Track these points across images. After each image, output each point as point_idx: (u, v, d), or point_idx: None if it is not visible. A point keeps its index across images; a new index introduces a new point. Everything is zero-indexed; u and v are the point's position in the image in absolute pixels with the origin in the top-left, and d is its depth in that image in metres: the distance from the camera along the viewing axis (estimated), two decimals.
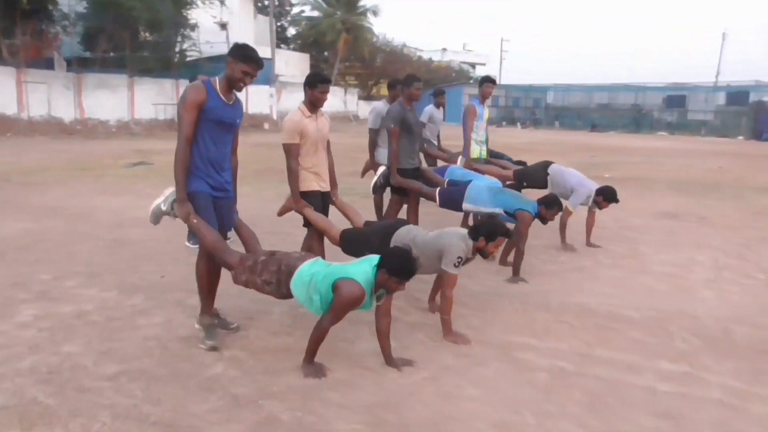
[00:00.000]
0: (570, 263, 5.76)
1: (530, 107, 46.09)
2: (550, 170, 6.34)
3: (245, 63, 3.42)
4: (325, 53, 43.72)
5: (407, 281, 3.24)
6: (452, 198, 5.40)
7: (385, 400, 3.02)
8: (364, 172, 7.23)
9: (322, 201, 4.47)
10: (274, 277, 3.36)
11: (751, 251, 6.38)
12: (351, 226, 4.45)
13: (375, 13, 41.99)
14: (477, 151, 6.62)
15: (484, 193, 5.25)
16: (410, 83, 5.34)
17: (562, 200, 5.44)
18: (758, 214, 8.55)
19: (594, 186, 6.11)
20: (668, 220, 7.97)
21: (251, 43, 4.39)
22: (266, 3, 34.40)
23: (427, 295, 4.43)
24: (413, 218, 5.54)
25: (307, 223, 4.44)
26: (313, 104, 4.26)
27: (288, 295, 3.37)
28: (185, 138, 3.40)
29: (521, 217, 5.03)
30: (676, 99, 39.67)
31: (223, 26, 31.30)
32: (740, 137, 31.67)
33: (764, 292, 5.02)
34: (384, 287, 3.24)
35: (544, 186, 6.37)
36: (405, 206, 5.64)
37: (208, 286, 3.70)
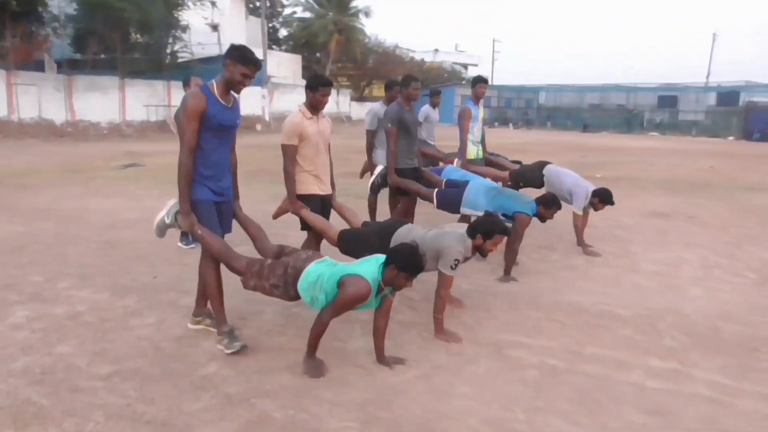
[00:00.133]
0: (561, 262, 5.81)
1: (522, 108, 46.08)
2: (545, 171, 6.37)
3: (244, 65, 3.38)
4: (317, 54, 43.69)
5: (415, 277, 3.26)
6: (450, 201, 5.40)
7: (377, 397, 3.05)
8: (362, 173, 7.26)
9: (321, 205, 4.41)
10: (281, 281, 3.35)
11: (741, 250, 6.44)
12: (348, 227, 4.43)
13: (367, 14, 42.15)
14: (474, 151, 6.64)
15: (481, 197, 5.23)
16: (408, 83, 5.37)
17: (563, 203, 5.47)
18: (748, 214, 8.63)
19: (590, 186, 6.14)
20: (659, 220, 8.04)
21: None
22: (258, 4, 34.33)
23: (420, 294, 4.45)
24: (410, 219, 5.54)
25: (306, 227, 4.40)
26: (314, 107, 4.24)
27: (296, 297, 3.36)
28: (189, 148, 3.36)
29: (519, 219, 5.07)
30: (668, 99, 39.84)
31: (215, 28, 31.35)
32: (731, 137, 31.85)
33: (753, 290, 5.08)
34: (392, 284, 3.24)
35: (541, 186, 6.41)
36: (399, 205, 5.64)
37: (219, 294, 3.61)
